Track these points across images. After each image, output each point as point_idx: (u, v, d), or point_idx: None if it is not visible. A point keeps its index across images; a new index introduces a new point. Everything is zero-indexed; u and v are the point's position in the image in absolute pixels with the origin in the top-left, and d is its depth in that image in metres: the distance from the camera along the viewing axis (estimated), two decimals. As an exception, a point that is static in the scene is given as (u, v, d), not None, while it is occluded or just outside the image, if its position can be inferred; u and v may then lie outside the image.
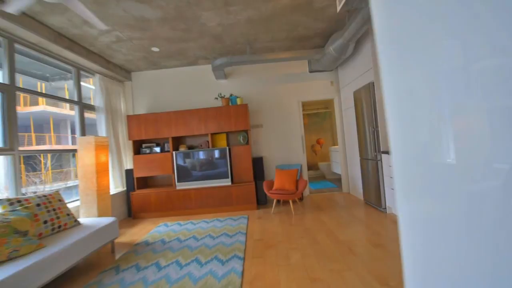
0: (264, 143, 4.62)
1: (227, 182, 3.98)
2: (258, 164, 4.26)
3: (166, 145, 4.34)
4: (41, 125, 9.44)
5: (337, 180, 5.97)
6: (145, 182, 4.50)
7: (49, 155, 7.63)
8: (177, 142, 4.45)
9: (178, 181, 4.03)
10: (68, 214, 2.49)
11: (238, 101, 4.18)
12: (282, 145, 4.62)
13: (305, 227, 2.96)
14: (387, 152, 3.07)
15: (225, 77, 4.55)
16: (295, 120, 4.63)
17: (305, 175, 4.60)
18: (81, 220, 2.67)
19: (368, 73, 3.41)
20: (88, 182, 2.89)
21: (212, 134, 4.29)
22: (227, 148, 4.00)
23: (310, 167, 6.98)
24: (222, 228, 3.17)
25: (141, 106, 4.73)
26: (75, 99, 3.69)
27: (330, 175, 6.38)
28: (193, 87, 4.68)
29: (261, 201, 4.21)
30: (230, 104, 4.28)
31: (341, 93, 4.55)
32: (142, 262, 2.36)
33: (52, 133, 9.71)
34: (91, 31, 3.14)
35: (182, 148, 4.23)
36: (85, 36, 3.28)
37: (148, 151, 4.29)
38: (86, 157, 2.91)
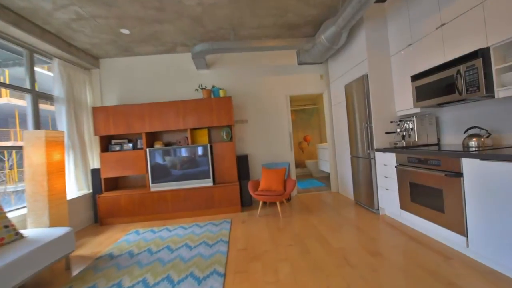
0: (249, 139, 4.29)
1: (208, 182, 3.61)
2: (242, 162, 3.92)
3: (139, 141, 3.88)
4: (5, 119, 8.48)
5: (325, 178, 5.79)
6: (115, 183, 4.01)
7: (13, 152, 6.82)
8: (152, 138, 4.00)
9: (152, 182, 3.59)
10: (6, 226, 2.01)
11: (221, 93, 3.80)
12: (269, 142, 4.31)
13: (294, 232, 2.68)
14: (381, 150, 2.85)
15: (206, 66, 4.14)
16: (282, 116, 4.34)
17: (293, 174, 4.33)
18: (27, 232, 2.19)
19: (362, 65, 3.17)
20: (37, 186, 2.40)
21: (192, 130, 3.88)
22: (209, 145, 3.62)
23: (297, 165, 6.75)
24: (201, 235, 2.80)
25: (111, 98, 4.20)
26: (27, 86, 3.12)
27: (317, 173, 6.19)
28: (170, 77, 4.22)
29: (246, 202, 3.88)
30: (212, 96, 3.89)
31: (331, 87, 4.31)
32: (101, 283, 1.95)
33: (18, 128, 8.77)
34: (42, 3, 2.62)
35: (158, 145, 3.79)
36: (36, 11, 2.74)
37: (118, 148, 3.80)
38: (34, 156, 2.41)
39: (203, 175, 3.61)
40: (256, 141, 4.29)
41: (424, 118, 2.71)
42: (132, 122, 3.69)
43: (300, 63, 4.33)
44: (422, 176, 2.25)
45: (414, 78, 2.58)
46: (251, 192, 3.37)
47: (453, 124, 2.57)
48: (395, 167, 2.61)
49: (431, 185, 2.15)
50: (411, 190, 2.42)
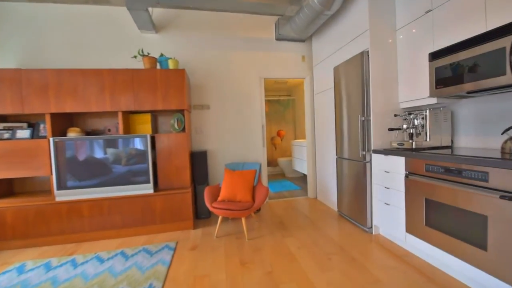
0: (210, 131, 3.32)
1: (147, 189, 2.57)
2: (199, 161, 2.95)
3: (43, 126, 2.64)
4: None
5: (299, 179, 5.11)
6: (9, 188, 2.73)
7: None
8: (68, 122, 2.78)
9: (59, 188, 2.42)
10: None
11: (171, 64, 2.74)
12: (236, 135, 3.40)
13: (265, 268, 1.85)
14: (381, 152, 2.16)
15: (153, 28, 3.02)
16: (254, 103, 3.45)
17: (265, 178, 3.50)
18: None
19: (360, 40, 2.43)
20: None
21: (127, 114, 2.77)
22: (149, 136, 2.56)
23: (268, 163, 5.97)
24: (121, 275, 1.80)
25: (5, 60, 2.85)
26: None
27: (291, 173, 5.49)
28: (100, 38, 3.01)
29: (203, 213, 2.95)
30: (158, 67, 2.81)
31: (314, 72, 3.55)
32: None
33: None
34: None
35: (73, 133, 2.61)
36: None
37: (7, 135, 2.52)
38: None
39: (140, 179, 2.56)
40: (219, 134, 3.34)
41: (439, 112, 2.07)
42: (29, 96, 2.44)
43: (278, 39, 3.46)
44: (450, 193, 1.57)
45: (434, 56, 1.89)
46: (207, 204, 2.44)
47: (473, 122, 1.96)
48: (405, 176, 1.92)
49: (467, 208, 1.48)
50: (428, 210, 1.75)
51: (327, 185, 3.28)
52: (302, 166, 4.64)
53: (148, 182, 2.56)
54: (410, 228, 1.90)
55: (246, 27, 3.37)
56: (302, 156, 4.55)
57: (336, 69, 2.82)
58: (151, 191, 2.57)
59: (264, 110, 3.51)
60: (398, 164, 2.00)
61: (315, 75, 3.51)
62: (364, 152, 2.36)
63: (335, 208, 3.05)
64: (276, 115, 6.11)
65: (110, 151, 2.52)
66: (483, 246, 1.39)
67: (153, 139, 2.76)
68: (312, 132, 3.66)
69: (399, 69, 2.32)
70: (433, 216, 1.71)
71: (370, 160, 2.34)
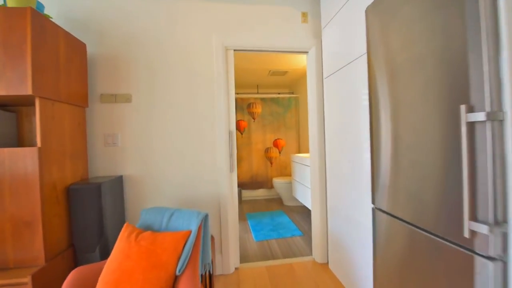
0: (130, 141, 1.84)
1: None
2: (88, 203, 1.46)
3: None
4: None
5: (302, 212, 3.50)
6: None
7: None
8: None
9: None
10: None
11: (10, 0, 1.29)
12: (180, 150, 1.89)
13: None
14: None
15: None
16: (216, 94, 1.94)
17: (233, 233, 1.93)
18: None
19: None
20: None
21: None
22: None
23: (260, 184, 4.41)
24: None
25: None
26: None
27: (290, 201, 3.90)
28: None
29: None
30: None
31: (324, 39, 2.00)
32: None
33: None
34: None
35: None
36: None
37: None
38: None
39: None
40: (147, 147, 1.85)
41: None
42: None
43: (260, -20, 1.97)
44: None
45: None
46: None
47: None
48: None
49: None
50: None
51: (349, 249, 1.68)
52: (305, 196, 3.05)
53: None
54: None
55: (199, -45, 1.91)
56: (306, 181, 2.97)
57: (371, 11, 1.27)
58: None
59: (234, 106, 1.99)
60: None
61: (325, 45, 1.97)
62: (483, 229, 0.76)
63: (368, 311, 1.44)
64: (274, 118, 4.56)
65: None
66: None
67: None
68: (321, 144, 2.09)
69: None
70: None
71: (506, 254, 0.74)
